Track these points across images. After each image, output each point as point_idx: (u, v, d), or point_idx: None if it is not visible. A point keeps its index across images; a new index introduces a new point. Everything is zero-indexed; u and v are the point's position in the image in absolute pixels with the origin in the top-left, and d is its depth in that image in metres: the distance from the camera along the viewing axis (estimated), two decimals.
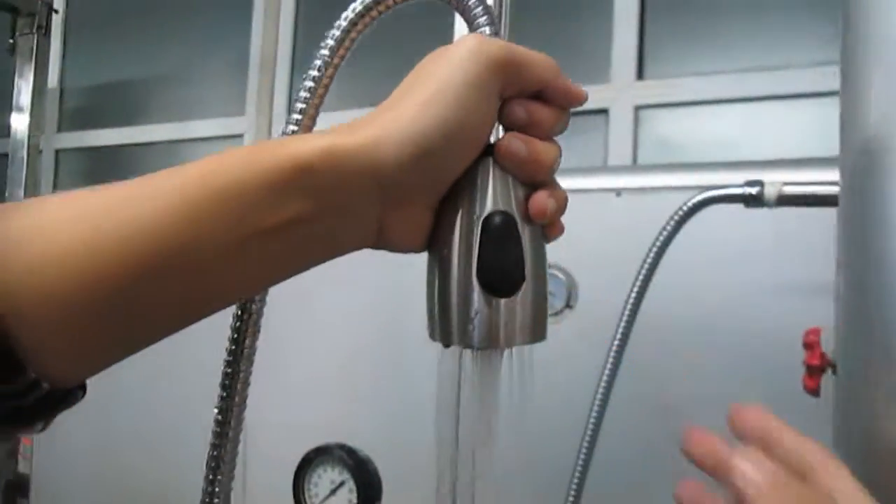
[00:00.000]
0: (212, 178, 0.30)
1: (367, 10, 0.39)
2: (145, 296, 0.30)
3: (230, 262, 0.31)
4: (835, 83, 1.22)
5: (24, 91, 1.38)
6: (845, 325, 0.40)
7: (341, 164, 0.31)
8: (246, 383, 0.39)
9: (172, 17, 1.99)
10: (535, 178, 0.35)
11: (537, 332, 0.36)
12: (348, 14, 0.39)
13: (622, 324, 0.85)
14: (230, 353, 0.40)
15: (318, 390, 1.33)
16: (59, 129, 2.13)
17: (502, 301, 0.34)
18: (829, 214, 0.72)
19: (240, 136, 1.82)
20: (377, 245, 0.35)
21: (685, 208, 0.83)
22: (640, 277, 0.84)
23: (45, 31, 1.38)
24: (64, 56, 2.13)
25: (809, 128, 1.24)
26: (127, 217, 0.29)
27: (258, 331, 0.40)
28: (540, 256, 0.36)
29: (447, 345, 0.36)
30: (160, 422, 1.46)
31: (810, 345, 0.65)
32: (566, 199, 0.36)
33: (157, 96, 2.01)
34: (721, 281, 1.03)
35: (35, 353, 0.28)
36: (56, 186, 2.12)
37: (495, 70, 0.34)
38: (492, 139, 0.36)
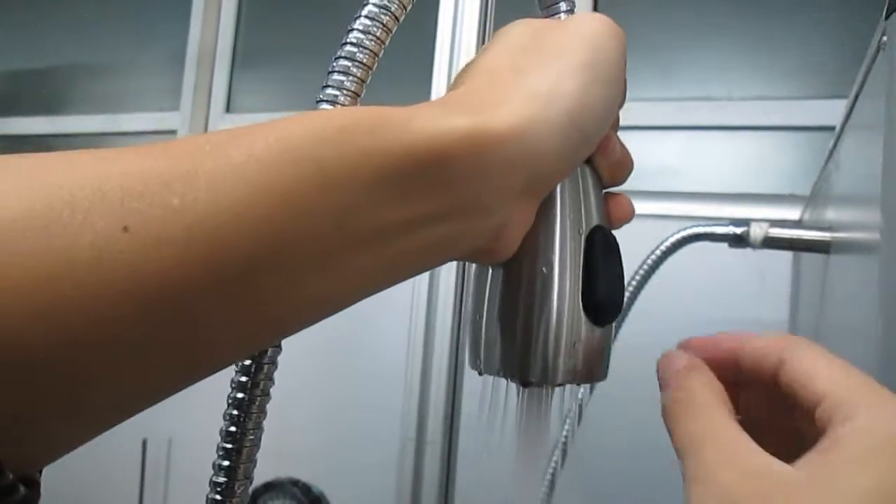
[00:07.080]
0: (302, 154, 0.21)
1: None
2: (199, 316, 0.20)
3: (324, 269, 0.22)
4: (771, 118, 1.23)
5: None
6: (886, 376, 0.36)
7: (486, 153, 0.24)
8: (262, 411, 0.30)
9: (104, 1, 1.89)
10: (620, 181, 0.31)
11: (607, 367, 0.31)
12: None
13: None
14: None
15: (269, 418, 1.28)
16: None
17: (601, 330, 0.30)
18: (815, 259, 0.71)
19: (173, 131, 1.75)
20: (480, 254, 0.28)
21: (667, 244, 0.79)
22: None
23: None
24: None
25: (747, 160, 1.26)
26: (175, 199, 0.19)
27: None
28: None
29: (529, 383, 0.30)
30: None
31: None
32: None
33: (85, 85, 1.91)
34: (700, 318, 1.03)
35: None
36: None
37: (625, 54, 0.28)
38: None
